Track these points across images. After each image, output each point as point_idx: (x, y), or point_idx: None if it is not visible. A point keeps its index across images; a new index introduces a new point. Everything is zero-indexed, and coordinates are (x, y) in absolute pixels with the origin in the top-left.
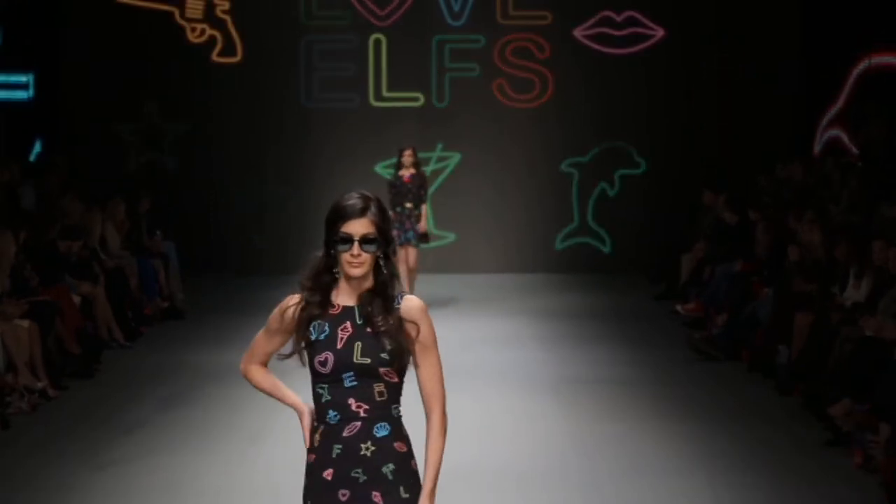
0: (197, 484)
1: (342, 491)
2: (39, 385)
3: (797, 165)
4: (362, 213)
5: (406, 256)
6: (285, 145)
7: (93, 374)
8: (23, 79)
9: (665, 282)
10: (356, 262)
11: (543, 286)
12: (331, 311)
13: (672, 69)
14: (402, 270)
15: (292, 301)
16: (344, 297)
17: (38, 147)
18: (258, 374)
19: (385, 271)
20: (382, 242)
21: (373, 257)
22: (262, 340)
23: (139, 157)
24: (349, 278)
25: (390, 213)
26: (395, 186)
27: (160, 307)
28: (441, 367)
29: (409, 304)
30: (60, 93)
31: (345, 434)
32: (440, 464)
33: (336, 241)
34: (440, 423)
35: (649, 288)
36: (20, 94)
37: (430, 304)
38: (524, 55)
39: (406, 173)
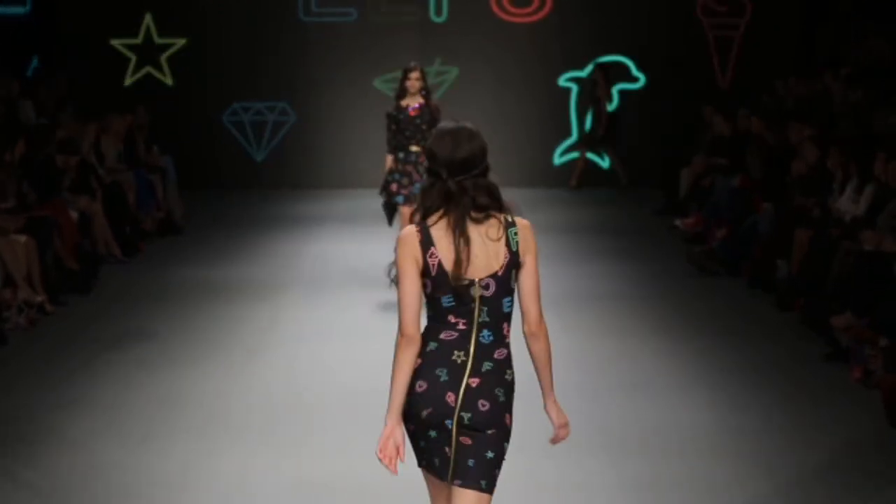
0: (194, 396)
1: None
2: (38, 299)
3: (797, 79)
4: None
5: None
6: (283, 59)
7: (91, 290)
8: None
9: (664, 197)
10: None
11: (541, 201)
12: None
13: None
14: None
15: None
16: None
17: (35, 62)
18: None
19: None
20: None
21: None
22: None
23: (136, 71)
24: None
25: (388, 156)
26: (397, 122)
27: (156, 217)
28: None
29: None
30: (58, 8)
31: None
32: None
33: None
34: None
35: (648, 203)
36: (17, 10)
37: None
38: None
39: (412, 104)
